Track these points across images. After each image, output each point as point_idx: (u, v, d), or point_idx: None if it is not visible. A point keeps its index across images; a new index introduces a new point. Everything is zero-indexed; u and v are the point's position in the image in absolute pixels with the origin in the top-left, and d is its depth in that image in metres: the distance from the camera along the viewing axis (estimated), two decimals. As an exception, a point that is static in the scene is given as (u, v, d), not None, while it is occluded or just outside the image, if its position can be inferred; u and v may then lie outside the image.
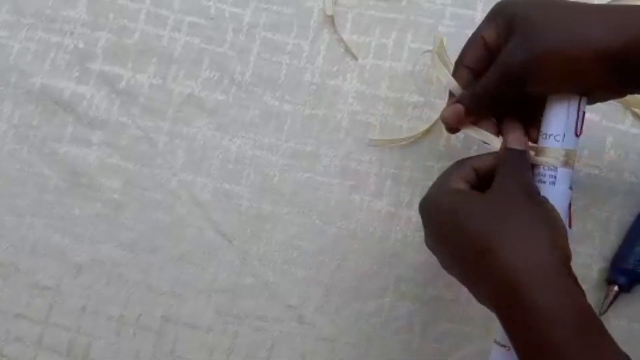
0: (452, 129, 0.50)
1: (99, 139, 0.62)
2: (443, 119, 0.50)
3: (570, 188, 0.47)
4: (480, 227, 0.42)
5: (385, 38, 0.63)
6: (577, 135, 0.47)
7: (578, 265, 0.57)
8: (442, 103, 0.60)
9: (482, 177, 0.47)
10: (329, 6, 0.63)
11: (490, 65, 0.47)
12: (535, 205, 0.43)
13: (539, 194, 0.44)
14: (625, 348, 0.55)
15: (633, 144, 0.59)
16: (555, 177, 0.47)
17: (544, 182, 0.47)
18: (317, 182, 0.60)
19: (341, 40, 0.63)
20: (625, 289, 0.55)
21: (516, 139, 0.46)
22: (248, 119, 0.62)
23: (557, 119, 0.47)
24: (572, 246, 0.56)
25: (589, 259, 0.57)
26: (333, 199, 0.60)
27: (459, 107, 0.49)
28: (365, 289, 0.58)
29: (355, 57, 0.63)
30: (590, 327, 0.40)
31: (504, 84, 0.46)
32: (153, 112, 0.62)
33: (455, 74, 0.50)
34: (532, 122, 0.48)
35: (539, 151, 0.47)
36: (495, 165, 0.46)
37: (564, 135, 0.47)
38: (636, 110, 0.59)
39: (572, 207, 0.47)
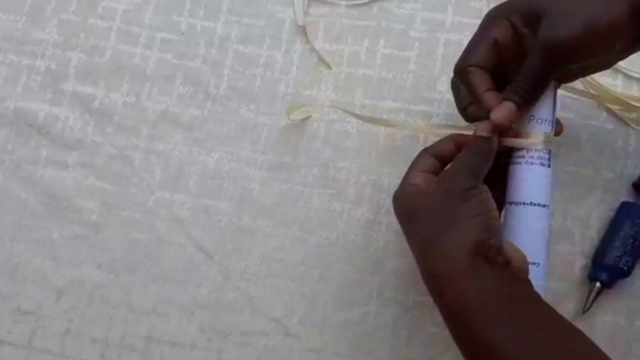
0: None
1: (75, 160, 0.62)
2: (498, 121, 0.48)
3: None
4: (421, 225, 0.47)
5: (357, 45, 0.64)
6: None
7: (559, 263, 0.58)
8: (415, 109, 0.62)
9: (445, 160, 0.50)
10: (300, 16, 0.64)
11: (502, 64, 0.49)
12: (461, 204, 0.46)
13: (470, 191, 0.46)
14: (611, 344, 0.57)
15: (608, 140, 0.60)
16: (549, 159, 0.49)
17: (533, 164, 0.49)
18: (296, 193, 0.61)
19: (314, 49, 0.64)
20: (607, 285, 0.56)
21: (485, 126, 0.48)
22: (224, 133, 0.62)
23: (548, 104, 0.49)
24: (553, 243, 0.59)
25: (570, 257, 0.58)
26: (313, 208, 0.60)
27: (510, 105, 0.48)
28: (350, 298, 0.58)
29: (328, 66, 0.63)
30: (506, 305, 0.43)
31: (551, 65, 0.47)
32: (128, 130, 0.63)
33: (464, 72, 0.50)
34: None
35: (532, 135, 0.49)
36: (452, 149, 0.50)
37: (553, 120, 0.50)
38: (610, 106, 0.60)
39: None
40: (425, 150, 0.51)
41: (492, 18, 0.49)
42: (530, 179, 0.49)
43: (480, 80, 0.49)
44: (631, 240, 0.56)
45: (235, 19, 0.65)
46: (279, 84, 0.63)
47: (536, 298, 0.44)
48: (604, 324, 0.57)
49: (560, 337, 0.43)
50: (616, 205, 0.58)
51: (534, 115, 0.49)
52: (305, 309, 0.58)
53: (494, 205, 0.46)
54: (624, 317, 0.57)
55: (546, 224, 0.49)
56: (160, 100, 0.63)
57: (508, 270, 0.44)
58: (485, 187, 0.47)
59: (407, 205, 0.48)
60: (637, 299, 0.57)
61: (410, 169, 0.50)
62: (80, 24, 0.66)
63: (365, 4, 0.65)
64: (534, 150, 0.49)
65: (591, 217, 0.59)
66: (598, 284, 0.56)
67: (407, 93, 0.62)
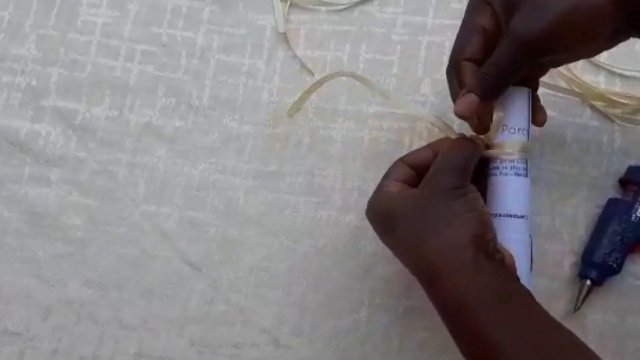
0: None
1: (58, 176, 0.62)
2: (458, 112, 0.48)
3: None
4: (405, 226, 0.47)
5: (339, 51, 0.64)
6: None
7: (549, 262, 0.58)
8: (399, 113, 0.62)
9: (420, 170, 0.49)
10: (281, 24, 0.64)
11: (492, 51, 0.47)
12: (452, 201, 0.46)
13: (461, 189, 0.46)
14: (602, 341, 0.57)
15: (593, 137, 0.60)
16: (527, 168, 0.49)
17: (510, 175, 0.49)
18: (282, 202, 0.61)
19: (296, 56, 0.64)
20: (597, 282, 0.56)
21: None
22: (208, 144, 0.62)
23: (521, 110, 0.49)
24: (541, 243, 0.58)
25: (559, 256, 0.58)
26: (300, 217, 0.60)
27: (472, 97, 0.47)
28: (340, 306, 0.58)
29: (311, 73, 0.63)
30: (504, 303, 0.43)
31: (520, 58, 0.46)
32: (111, 144, 0.62)
33: (458, 66, 0.49)
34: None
35: (505, 145, 0.49)
36: (429, 157, 0.49)
37: (529, 128, 0.49)
38: (594, 102, 0.61)
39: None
40: (401, 159, 0.50)
41: (476, 6, 0.48)
42: (505, 190, 0.49)
43: (471, 77, 0.48)
44: (619, 237, 0.56)
45: (215, 29, 0.65)
46: (262, 92, 0.63)
47: (530, 297, 0.45)
48: (595, 323, 0.57)
49: (554, 336, 0.43)
50: (603, 202, 0.58)
51: (506, 125, 0.49)
52: (296, 319, 0.58)
53: (483, 203, 0.47)
54: (615, 315, 0.57)
55: (524, 235, 0.49)
56: (142, 113, 0.63)
57: (503, 267, 0.45)
58: (472, 186, 0.47)
59: (387, 210, 0.48)
60: (628, 296, 0.57)
61: (386, 176, 0.50)
62: (59, 39, 0.65)
63: (345, 9, 0.65)
64: (507, 161, 0.49)
65: (579, 215, 0.59)
66: (588, 282, 0.56)
67: (391, 97, 0.62)
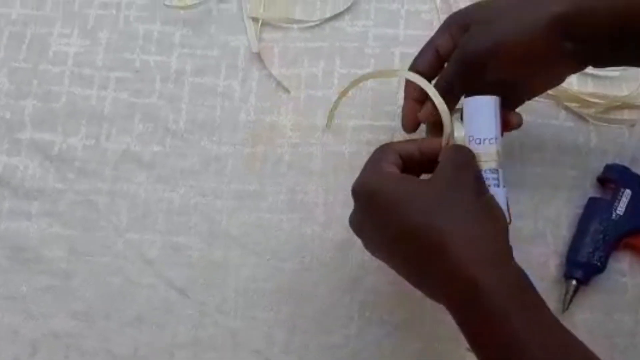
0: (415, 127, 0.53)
1: (37, 209, 0.62)
2: (420, 118, 0.52)
3: (504, 187, 0.49)
4: (424, 216, 0.43)
5: (314, 67, 0.64)
6: (501, 135, 0.50)
7: (534, 264, 0.58)
8: (380, 125, 0.62)
9: (407, 163, 0.48)
10: (254, 43, 0.64)
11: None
12: (483, 199, 0.45)
13: (485, 186, 0.47)
14: (591, 340, 0.56)
15: (570, 138, 0.61)
16: (498, 179, 0.49)
17: (489, 185, 0.48)
18: (265, 220, 0.61)
19: (271, 75, 0.64)
20: (583, 282, 0.57)
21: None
22: (188, 167, 0.62)
23: (488, 121, 0.49)
24: (526, 246, 0.59)
25: (544, 257, 0.59)
26: (284, 234, 0.60)
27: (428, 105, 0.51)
28: (330, 321, 0.58)
29: (287, 91, 0.64)
30: (539, 306, 0.43)
31: (464, 73, 0.48)
32: (90, 174, 0.62)
33: (408, 82, 0.52)
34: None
35: (477, 157, 0.49)
36: (419, 153, 0.48)
37: (496, 137, 0.49)
38: (568, 104, 0.61)
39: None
40: (393, 148, 0.48)
41: (440, 27, 0.52)
42: None
43: (411, 88, 0.52)
44: (601, 236, 0.57)
45: (188, 52, 0.65)
46: (239, 112, 0.63)
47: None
48: (584, 322, 0.57)
49: (570, 340, 0.43)
50: (584, 202, 0.59)
51: (472, 136, 0.49)
52: (286, 338, 0.58)
53: None
54: (603, 313, 0.58)
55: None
56: (120, 141, 0.63)
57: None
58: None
59: (394, 191, 0.44)
60: (613, 293, 0.58)
61: (379, 158, 0.47)
62: (31, 71, 0.65)
63: (317, 25, 0.65)
64: (483, 172, 0.48)
65: (561, 216, 0.60)
66: (574, 282, 0.57)
67: (369, 110, 0.63)
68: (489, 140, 0.48)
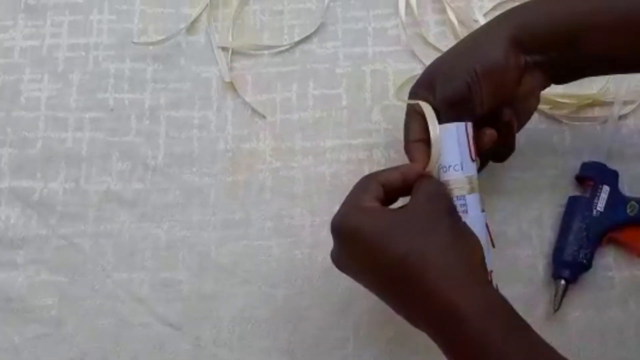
0: None
1: (24, 258, 0.61)
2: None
3: (483, 211, 0.50)
4: (402, 247, 0.44)
5: (287, 91, 0.65)
6: (472, 160, 0.50)
7: (522, 267, 0.60)
8: (358, 143, 0.63)
9: (389, 193, 0.49)
10: (226, 73, 0.65)
11: None
12: (457, 226, 0.47)
13: (458, 213, 0.48)
14: (586, 338, 0.58)
15: (545, 139, 0.62)
16: (465, 205, 0.49)
17: (458, 212, 0.49)
18: (254, 248, 0.61)
19: (246, 102, 0.65)
20: (571, 280, 0.58)
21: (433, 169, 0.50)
22: (171, 201, 0.62)
23: (451, 149, 0.49)
24: (512, 250, 0.60)
25: (531, 259, 0.60)
26: (273, 260, 0.61)
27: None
28: (327, 343, 0.59)
29: (263, 116, 0.64)
30: (521, 327, 0.44)
31: (453, 118, 0.50)
32: (73, 217, 0.62)
33: (410, 151, 0.52)
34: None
35: (444, 184, 0.50)
36: (401, 181, 0.49)
37: (462, 164, 0.49)
38: (540, 107, 0.62)
39: (490, 228, 0.51)
40: (374, 177, 0.49)
41: (409, 97, 0.54)
42: None
43: (420, 153, 0.51)
44: (585, 233, 0.58)
45: (161, 87, 0.66)
46: (217, 142, 0.64)
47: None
48: (575, 320, 0.58)
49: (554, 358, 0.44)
50: (565, 201, 0.60)
51: (440, 163, 0.50)
52: (285, 363, 0.58)
53: None
54: (594, 310, 0.58)
55: (491, 267, 0.49)
56: (100, 181, 0.63)
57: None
58: None
59: (374, 225, 0.45)
60: (602, 289, 0.59)
61: (360, 192, 0.48)
62: (4, 119, 0.65)
63: (287, 50, 0.66)
64: (453, 199, 0.49)
65: (544, 217, 0.61)
66: (563, 282, 0.58)
67: (345, 129, 0.64)
68: (454, 167, 0.49)
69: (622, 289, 0.59)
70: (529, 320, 0.56)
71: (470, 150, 0.49)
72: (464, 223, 0.47)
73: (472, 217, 0.49)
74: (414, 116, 0.52)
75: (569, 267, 0.58)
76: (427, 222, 0.46)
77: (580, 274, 0.58)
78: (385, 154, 0.63)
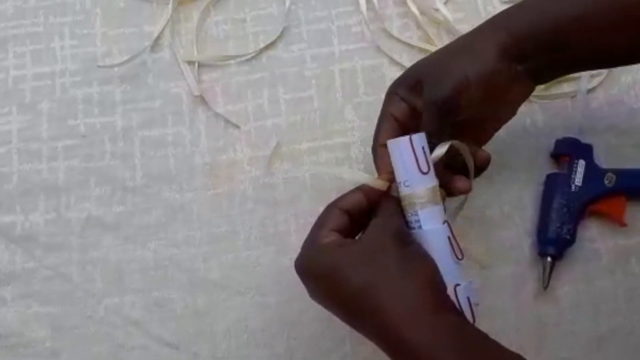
0: None
1: (12, 293, 0.62)
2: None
3: (445, 222, 0.49)
4: (355, 281, 0.45)
5: (258, 99, 0.66)
6: (424, 173, 0.48)
7: (508, 248, 0.61)
8: (331, 143, 0.64)
9: (356, 216, 0.49)
10: (195, 87, 0.65)
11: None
12: (407, 251, 0.46)
13: (408, 237, 0.48)
14: (579, 312, 0.60)
15: (518, 121, 0.61)
16: (419, 221, 0.48)
17: (413, 228, 0.48)
18: (243, 259, 0.62)
19: (218, 114, 0.65)
20: (557, 257, 0.59)
21: (394, 187, 0.50)
22: (154, 221, 0.63)
23: (397, 165, 0.49)
24: (497, 232, 0.61)
25: (517, 240, 0.61)
26: (263, 269, 0.62)
27: None
28: (324, 345, 0.60)
29: (237, 126, 0.65)
30: (469, 346, 0.44)
31: (439, 119, 0.50)
32: (57, 247, 0.63)
33: (377, 155, 0.52)
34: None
35: (401, 199, 0.49)
36: (365, 201, 0.49)
37: (409, 180, 0.48)
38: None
39: (456, 239, 0.49)
40: (335, 205, 0.50)
41: (387, 97, 0.53)
42: (424, 246, 0.48)
43: (386, 159, 0.50)
44: (566, 209, 0.59)
45: (131, 107, 0.66)
46: (194, 156, 0.65)
47: (487, 336, 0.46)
48: (566, 295, 0.60)
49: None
50: (543, 179, 0.62)
51: (397, 181, 0.49)
52: (285, 370, 0.59)
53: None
54: (583, 283, 0.60)
55: (459, 280, 0.48)
56: (80, 208, 0.64)
57: (457, 309, 0.47)
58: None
59: (330, 264, 0.46)
60: (589, 261, 0.61)
61: (320, 226, 0.49)
62: (-24, 156, 0.65)
63: (253, 57, 0.67)
64: (408, 214, 0.49)
65: (524, 197, 0.62)
66: (549, 259, 0.59)
67: (319, 130, 0.65)
68: (404, 183, 0.48)
69: (608, 259, 0.61)
70: (521, 299, 0.59)
71: (418, 164, 0.48)
72: (415, 246, 0.47)
73: (427, 231, 0.48)
74: (387, 119, 0.53)
75: (553, 243, 0.59)
76: (375, 253, 0.46)
77: (565, 250, 0.60)
78: (362, 150, 0.64)
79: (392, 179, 0.50)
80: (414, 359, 0.43)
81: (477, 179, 0.57)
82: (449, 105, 0.49)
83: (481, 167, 0.54)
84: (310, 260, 0.49)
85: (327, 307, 0.49)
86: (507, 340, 0.57)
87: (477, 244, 0.60)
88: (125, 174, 0.64)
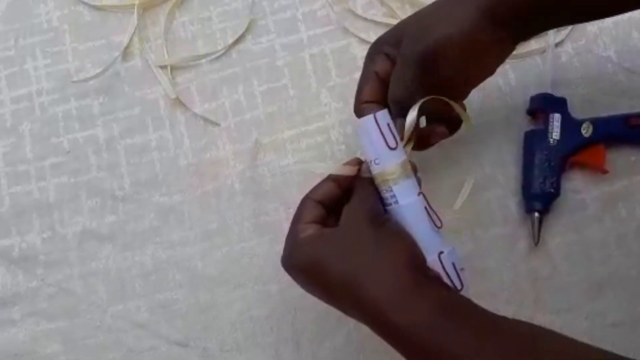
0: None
1: (20, 313, 0.64)
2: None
3: (419, 194, 0.50)
4: (337, 271, 0.47)
5: (234, 94, 0.68)
6: (392, 148, 0.49)
7: (495, 209, 0.63)
8: (311, 129, 0.65)
9: (331, 204, 0.51)
10: (170, 90, 0.67)
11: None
12: (381, 232, 0.48)
13: (381, 218, 0.49)
14: (572, 262, 0.61)
15: (491, 83, 0.63)
16: (395, 196, 0.49)
17: (390, 205, 0.50)
18: (238, 251, 0.64)
19: (196, 114, 0.67)
20: (544, 211, 0.61)
21: (366, 167, 0.51)
22: (147, 226, 0.65)
23: (365, 144, 0.50)
24: (483, 194, 0.63)
25: (503, 200, 0.63)
26: (260, 259, 0.64)
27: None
28: (329, 325, 0.62)
29: (216, 124, 0.67)
30: (454, 315, 0.44)
31: (412, 76, 0.50)
32: (57, 263, 0.65)
33: (359, 109, 0.53)
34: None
35: (374, 178, 0.50)
36: (339, 189, 0.51)
37: (379, 157, 0.49)
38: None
39: (432, 207, 0.51)
40: (309, 197, 0.51)
41: (369, 54, 0.54)
42: (403, 221, 0.49)
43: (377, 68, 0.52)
44: (547, 163, 0.61)
45: (111, 118, 0.68)
46: (178, 159, 0.66)
47: (468, 300, 0.47)
48: (558, 247, 0.62)
49: (504, 329, 0.45)
50: (522, 137, 0.63)
51: (366, 159, 0.50)
52: (293, 353, 0.62)
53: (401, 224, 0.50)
54: (573, 233, 0.62)
55: (442, 248, 0.50)
56: (74, 223, 0.66)
57: (438, 280, 0.48)
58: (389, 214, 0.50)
59: (312, 257, 0.48)
60: (576, 211, 0.63)
61: (298, 220, 0.51)
62: (-34, 182, 0.67)
63: (223, 54, 0.68)
64: (382, 192, 0.50)
65: (505, 157, 0.64)
66: (536, 214, 0.61)
67: (298, 117, 0.66)
68: (374, 161, 0.49)
69: (595, 207, 0.63)
70: (514, 257, 0.61)
71: (386, 140, 0.49)
72: (389, 225, 0.48)
73: (404, 205, 0.49)
74: (369, 77, 0.53)
75: (538, 199, 0.61)
76: (351, 240, 0.48)
77: (551, 203, 0.62)
78: (341, 132, 0.66)
79: (360, 163, 0.51)
80: (405, 340, 0.44)
81: (457, 142, 0.58)
82: (427, 62, 0.49)
83: (458, 120, 0.54)
84: (292, 255, 0.50)
85: (319, 298, 0.50)
86: (505, 299, 0.61)
87: (463, 209, 0.62)
88: (113, 183, 0.66)
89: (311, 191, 0.52)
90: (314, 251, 0.48)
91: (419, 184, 0.51)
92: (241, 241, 0.64)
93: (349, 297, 0.46)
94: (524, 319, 0.45)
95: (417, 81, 0.50)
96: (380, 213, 0.49)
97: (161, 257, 0.64)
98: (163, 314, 0.63)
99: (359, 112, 0.53)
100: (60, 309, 0.64)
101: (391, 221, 0.49)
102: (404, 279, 0.45)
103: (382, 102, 0.53)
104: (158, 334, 0.63)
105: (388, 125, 0.50)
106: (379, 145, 0.49)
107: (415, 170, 0.51)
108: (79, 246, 0.65)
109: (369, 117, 0.49)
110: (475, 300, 0.46)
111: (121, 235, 0.65)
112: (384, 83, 0.53)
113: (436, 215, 0.50)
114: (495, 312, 0.45)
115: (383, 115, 0.50)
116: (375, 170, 0.49)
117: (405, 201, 0.49)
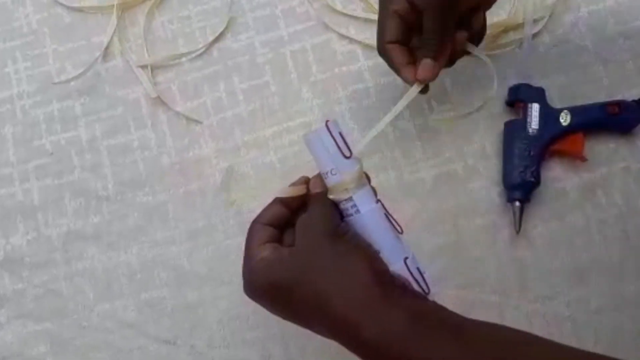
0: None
1: (6, 316, 0.65)
2: (424, 80, 0.54)
3: (377, 201, 0.50)
4: (300, 287, 0.45)
5: (216, 92, 0.69)
6: (347, 157, 0.49)
7: (478, 199, 0.64)
8: (294, 125, 0.66)
9: (282, 225, 0.50)
10: (151, 89, 0.68)
11: (412, 34, 0.54)
12: (335, 246, 0.47)
13: (339, 230, 0.48)
14: (553, 248, 0.63)
15: (469, 75, 0.67)
16: (355, 205, 0.49)
17: (351, 215, 0.49)
18: (224, 249, 0.65)
19: (178, 113, 0.67)
20: (525, 200, 0.62)
21: (315, 182, 0.51)
22: (132, 226, 0.66)
23: (320, 156, 0.49)
24: (465, 185, 0.64)
25: (485, 191, 0.65)
26: (245, 256, 0.64)
27: (427, 61, 0.53)
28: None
29: (199, 122, 0.67)
30: (424, 323, 0.44)
31: (444, 12, 0.51)
32: (43, 265, 0.66)
33: (387, 53, 0.54)
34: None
35: (330, 191, 0.50)
36: (282, 211, 0.50)
37: (337, 167, 0.49)
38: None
39: (391, 215, 0.51)
40: (257, 222, 0.50)
41: None
42: (365, 230, 0.49)
43: (397, 56, 0.54)
44: (526, 153, 0.62)
45: (93, 118, 0.69)
46: (161, 158, 0.67)
47: (439, 305, 0.46)
48: (540, 235, 0.63)
49: (479, 330, 0.45)
50: (502, 128, 0.65)
51: (320, 171, 0.50)
52: (281, 349, 0.62)
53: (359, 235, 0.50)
54: (554, 221, 0.64)
55: (406, 254, 0.50)
56: (59, 224, 0.66)
57: (407, 290, 0.48)
58: (344, 224, 0.50)
59: (273, 278, 0.47)
60: (556, 199, 0.64)
61: (250, 245, 0.49)
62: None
63: (204, 52, 0.69)
64: (341, 203, 0.49)
65: (486, 148, 0.65)
66: (517, 203, 0.62)
67: (280, 114, 0.67)
68: (331, 172, 0.49)
69: (575, 195, 0.64)
70: (497, 246, 0.62)
71: (341, 150, 0.49)
72: (347, 238, 0.48)
73: (365, 213, 0.49)
74: (389, 15, 0.53)
75: (519, 188, 0.62)
76: (310, 257, 0.46)
77: (532, 192, 0.63)
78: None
79: (307, 181, 0.50)
80: (376, 352, 0.43)
81: (437, 139, 0.59)
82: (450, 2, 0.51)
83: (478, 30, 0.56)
84: (251, 281, 0.49)
85: (285, 319, 0.49)
86: (490, 288, 0.62)
87: (446, 200, 0.63)
88: (97, 184, 0.67)
89: (258, 216, 0.51)
90: (273, 273, 0.47)
91: (375, 193, 0.51)
92: (226, 238, 0.65)
93: (316, 315, 0.45)
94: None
95: (445, 22, 0.51)
96: (336, 227, 0.48)
97: (147, 256, 0.65)
98: (150, 313, 0.64)
99: (385, 52, 0.54)
100: (47, 310, 0.64)
101: (349, 233, 0.48)
102: (371, 291, 0.45)
103: (405, 42, 0.54)
104: (145, 333, 0.63)
105: (340, 134, 0.49)
106: (335, 155, 0.49)
107: (368, 179, 0.51)
108: (64, 247, 0.66)
109: (322, 128, 0.49)
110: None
111: (106, 235, 0.66)
112: (403, 22, 0.53)
113: (396, 221, 0.50)
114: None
115: (334, 124, 0.49)
116: (333, 181, 0.49)
117: (366, 209, 0.49)
